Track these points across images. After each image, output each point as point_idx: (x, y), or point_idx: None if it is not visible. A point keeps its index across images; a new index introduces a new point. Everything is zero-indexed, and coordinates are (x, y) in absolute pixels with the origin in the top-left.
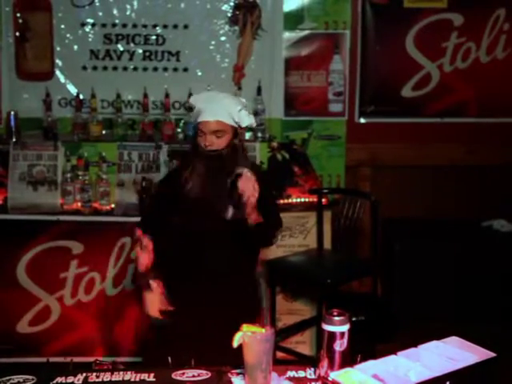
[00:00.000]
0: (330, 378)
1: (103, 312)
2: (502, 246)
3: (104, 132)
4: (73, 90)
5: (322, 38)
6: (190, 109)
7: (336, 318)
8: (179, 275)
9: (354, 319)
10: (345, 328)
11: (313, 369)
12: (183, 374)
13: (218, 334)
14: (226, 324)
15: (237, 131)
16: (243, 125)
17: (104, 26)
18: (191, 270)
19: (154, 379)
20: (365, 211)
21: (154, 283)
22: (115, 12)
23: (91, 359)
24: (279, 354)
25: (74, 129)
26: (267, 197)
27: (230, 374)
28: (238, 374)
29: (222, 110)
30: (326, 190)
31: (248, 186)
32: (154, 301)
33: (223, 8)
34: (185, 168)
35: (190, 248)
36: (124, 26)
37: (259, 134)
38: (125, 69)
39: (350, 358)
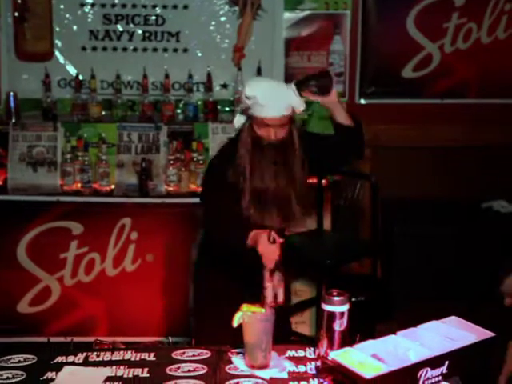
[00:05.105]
0: (329, 358)
1: (103, 292)
2: (503, 227)
3: (104, 113)
4: (72, 70)
5: (322, 19)
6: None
7: (336, 298)
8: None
9: (353, 299)
10: (344, 308)
11: (312, 348)
12: (183, 353)
13: None
14: None
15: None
16: (298, 109)
17: (103, 6)
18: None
19: (154, 358)
20: (365, 192)
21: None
22: None
23: (91, 339)
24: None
25: (74, 110)
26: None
27: (229, 354)
28: (237, 353)
29: (287, 104)
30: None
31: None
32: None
33: None
34: (242, 158)
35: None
36: (123, 6)
37: None
38: (124, 49)
39: (349, 338)
